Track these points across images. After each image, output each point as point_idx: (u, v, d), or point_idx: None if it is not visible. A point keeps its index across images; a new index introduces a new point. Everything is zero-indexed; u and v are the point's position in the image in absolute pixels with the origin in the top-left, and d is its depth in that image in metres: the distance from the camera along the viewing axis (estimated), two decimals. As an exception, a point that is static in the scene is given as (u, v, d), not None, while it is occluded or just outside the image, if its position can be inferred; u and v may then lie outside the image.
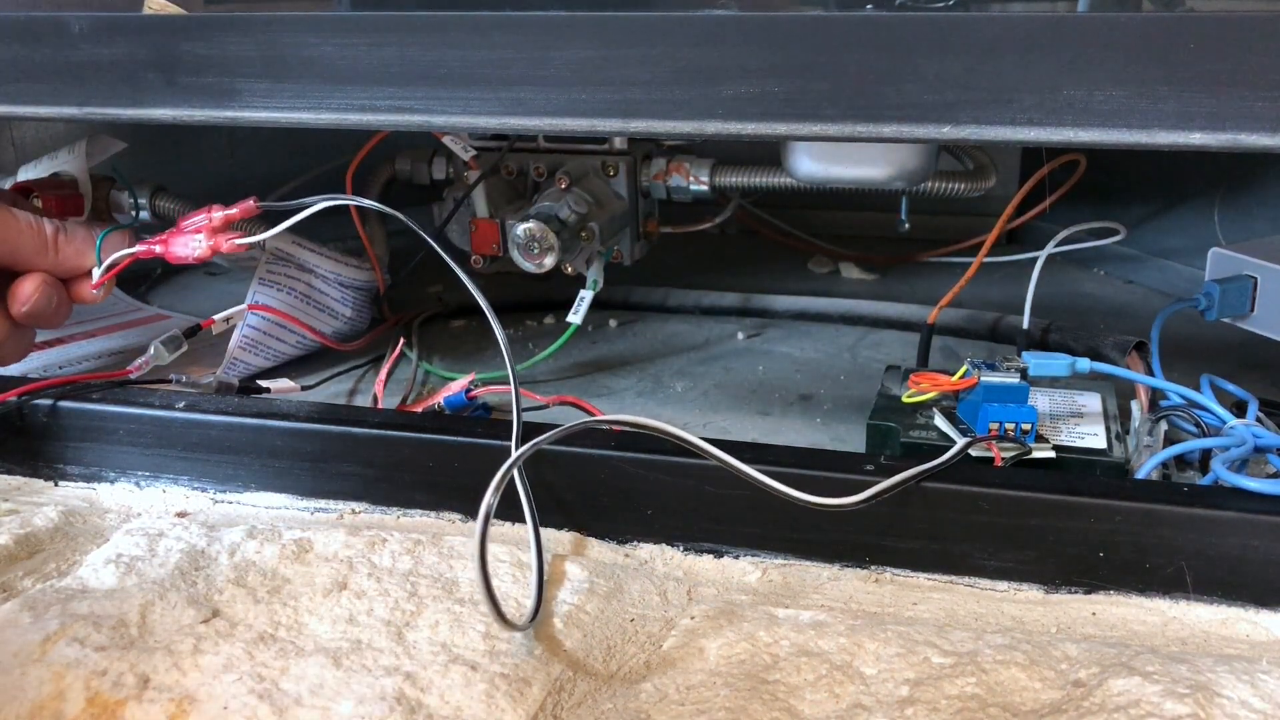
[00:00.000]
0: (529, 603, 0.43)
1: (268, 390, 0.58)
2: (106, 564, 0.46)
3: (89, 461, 0.54)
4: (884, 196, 0.63)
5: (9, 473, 0.55)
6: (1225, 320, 0.55)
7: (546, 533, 0.48)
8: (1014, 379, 0.49)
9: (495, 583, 0.44)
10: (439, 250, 0.51)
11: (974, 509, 0.44)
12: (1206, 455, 0.48)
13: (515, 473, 0.46)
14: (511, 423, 0.48)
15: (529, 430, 0.48)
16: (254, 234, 0.51)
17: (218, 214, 0.50)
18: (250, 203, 0.50)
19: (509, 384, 0.50)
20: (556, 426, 0.45)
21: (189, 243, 0.51)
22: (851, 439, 0.58)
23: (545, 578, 0.43)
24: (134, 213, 0.66)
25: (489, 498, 0.40)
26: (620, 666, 0.40)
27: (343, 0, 0.61)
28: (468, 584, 0.44)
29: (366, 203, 0.52)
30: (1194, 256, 0.75)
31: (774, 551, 0.47)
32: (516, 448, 0.47)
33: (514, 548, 0.46)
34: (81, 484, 0.54)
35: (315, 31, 0.44)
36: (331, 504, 0.52)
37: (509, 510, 0.48)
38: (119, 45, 0.46)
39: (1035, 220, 0.76)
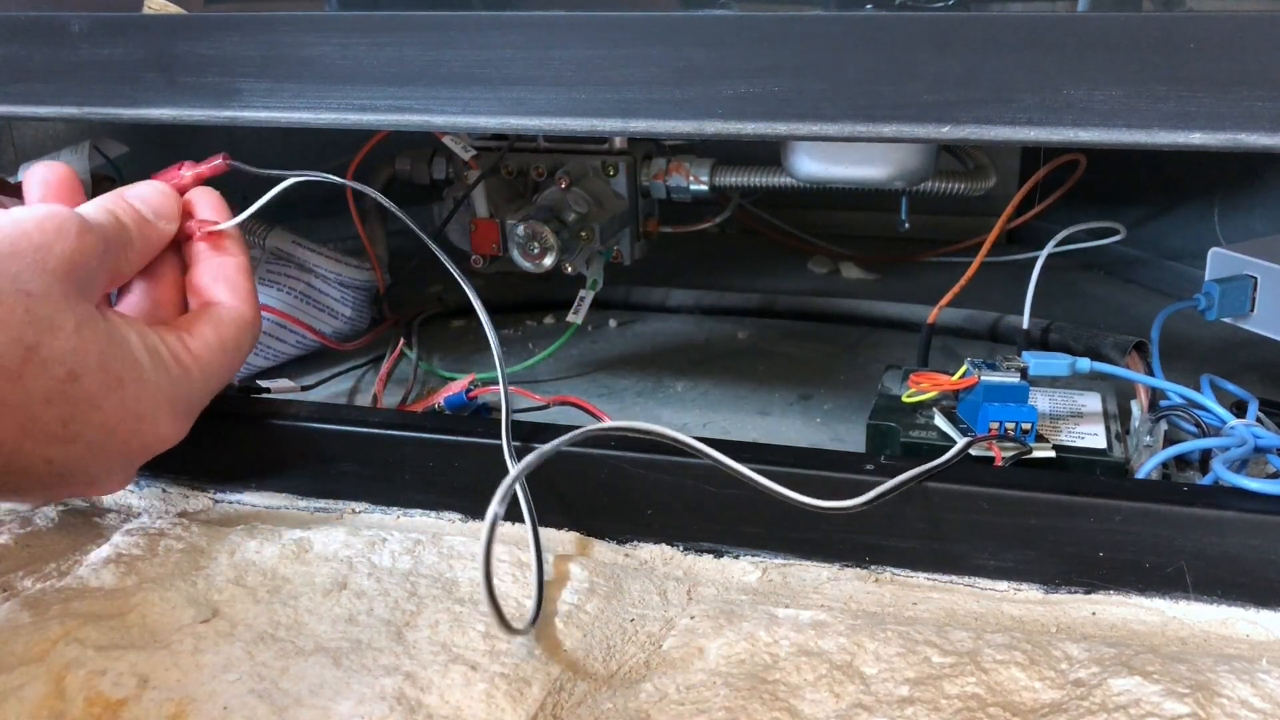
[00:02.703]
0: (529, 603, 0.43)
1: (268, 390, 0.58)
2: (106, 564, 0.46)
3: (89, 461, 0.54)
4: (884, 196, 0.63)
5: (9, 473, 0.55)
6: (1225, 320, 0.55)
7: (546, 532, 0.48)
8: (1014, 379, 0.49)
9: (495, 583, 0.44)
10: (437, 250, 0.51)
11: (974, 509, 0.44)
12: (1206, 455, 0.48)
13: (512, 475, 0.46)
14: (510, 422, 0.48)
15: (530, 432, 0.48)
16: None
17: (188, 172, 0.50)
18: (219, 160, 0.50)
19: (510, 384, 0.50)
20: (559, 427, 0.45)
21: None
22: (851, 439, 0.58)
23: (545, 580, 0.43)
24: None
25: (495, 507, 0.40)
26: (620, 666, 0.40)
27: (331, 0, 0.61)
28: (468, 584, 0.44)
29: (335, 179, 0.51)
30: (1194, 256, 0.75)
31: (774, 551, 0.47)
32: (509, 451, 0.47)
33: (514, 547, 0.46)
34: (81, 484, 0.54)
35: (315, 31, 0.44)
36: (331, 504, 0.52)
37: (509, 510, 0.48)
38: (119, 45, 0.46)
39: (1035, 220, 0.76)
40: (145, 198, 0.48)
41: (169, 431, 0.45)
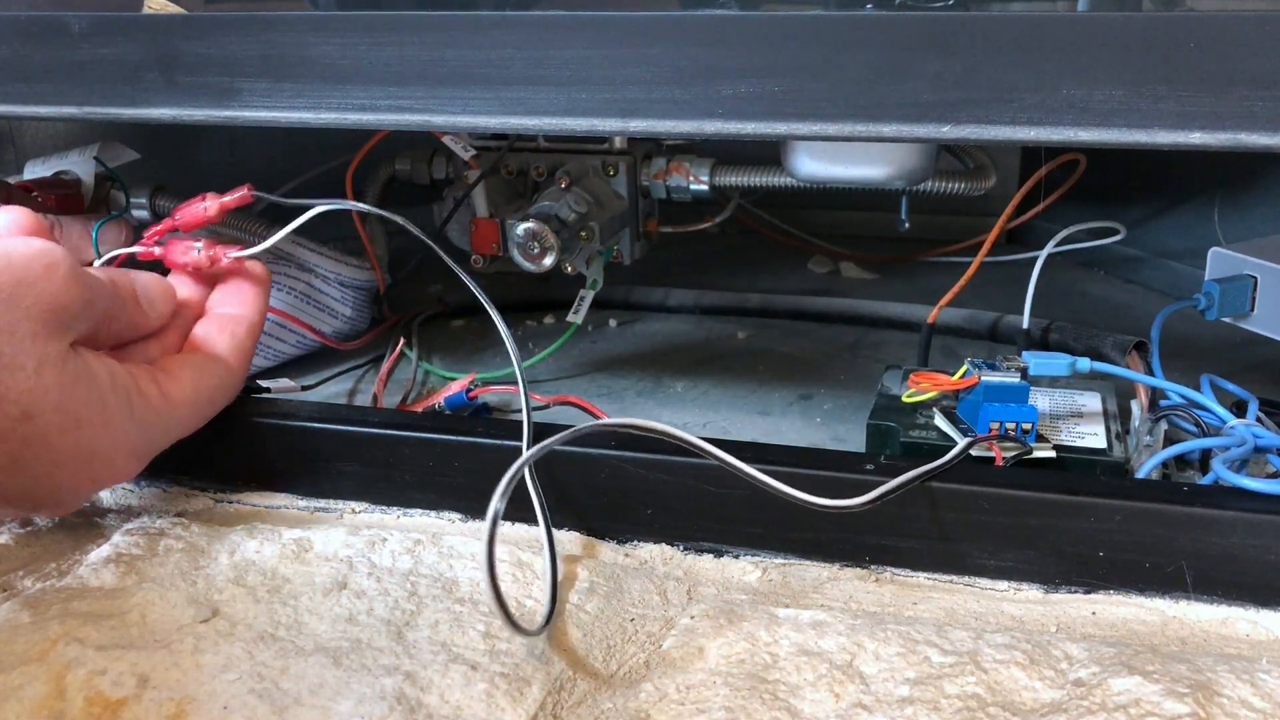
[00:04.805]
0: (528, 602, 0.43)
1: (268, 390, 0.58)
2: (106, 564, 0.46)
3: (89, 461, 0.54)
4: (884, 196, 0.63)
5: (9, 472, 0.55)
6: (1225, 320, 0.55)
7: (546, 532, 0.48)
8: (1014, 379, 0.49)
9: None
10: (441, 254, 0.51)
11: (975, 508, 0.44)
12: (1206, 455, 0.48)
13: (526, 474, 0.46)
14: (510, 422, 0.48)
15: (537, 431, 0.48)
16: (251, 244, 0.51)
17: (212, 204, 0.50)
18: (244, 191, 0.50)
19: (510, 384, 0.50)
20: (561, 427, 0.45)
21: (188, 251, 0.50)
22: (851, 439, 0.58)
23: (559, 579, 0.43)
24: (128, 210, 0.66)
25: (496, 502, 0.40)
26: (620, 666, 0.40)
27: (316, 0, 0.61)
28: (468, 584, 0.44)
29: (364, 207, 0.53)
30: (1194, 256, 0.75)
31: (774, 551, 0.47)
32: (528, 448, 0.47)
33: (514, 547, 0.46)
34: (81, 484, 0.54)
35: (315, 31, 0.44)
36: (331, 504, 0.52)
37: (510, 509, 0.47)
38: (119, 45, 0.46)
39: (1035, 220, 0.76)
40: (147, 285, 0.48)
41: (123, 470, 0.46)
